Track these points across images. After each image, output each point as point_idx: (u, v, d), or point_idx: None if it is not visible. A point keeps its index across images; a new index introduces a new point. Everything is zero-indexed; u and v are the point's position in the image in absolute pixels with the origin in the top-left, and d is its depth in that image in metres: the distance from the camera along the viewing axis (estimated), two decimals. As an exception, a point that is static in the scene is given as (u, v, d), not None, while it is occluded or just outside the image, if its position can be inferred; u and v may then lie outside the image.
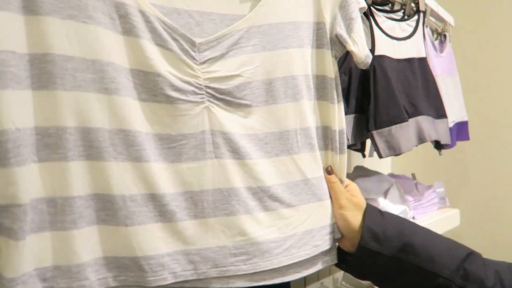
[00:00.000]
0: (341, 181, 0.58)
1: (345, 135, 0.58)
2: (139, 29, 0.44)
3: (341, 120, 0.58)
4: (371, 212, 0.55)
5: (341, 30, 0.56)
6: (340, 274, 1.17)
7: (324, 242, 0.56)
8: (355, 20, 0.57)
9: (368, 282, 1.00)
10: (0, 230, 0.40)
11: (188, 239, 0.48)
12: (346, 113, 0.76)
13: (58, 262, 0.43)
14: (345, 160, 0.58)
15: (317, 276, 1.14)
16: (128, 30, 0.44)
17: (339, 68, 0.72)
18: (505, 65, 1.46)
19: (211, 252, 0.49)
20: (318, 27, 0.56)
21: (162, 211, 0.47)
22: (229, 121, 0.50)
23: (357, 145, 0.90)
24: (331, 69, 0.57)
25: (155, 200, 0.46)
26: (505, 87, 1.46)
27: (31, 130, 0.41)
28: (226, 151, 0.50)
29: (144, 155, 0.46)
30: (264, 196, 0.52)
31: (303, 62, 0.55)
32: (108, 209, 0.44)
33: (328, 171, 0.57)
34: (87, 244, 0.44)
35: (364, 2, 0.59)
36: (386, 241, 0.52)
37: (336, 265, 0.58)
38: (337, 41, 0.56)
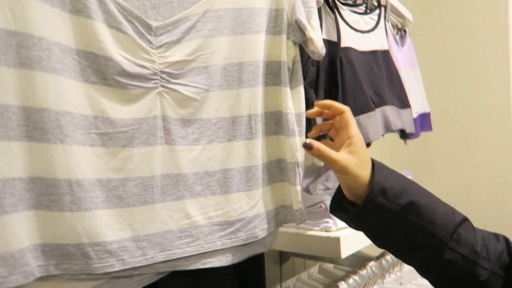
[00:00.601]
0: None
1: (304, 118, 0.59)
2: (92, 9, 0.43)
3: (298, 104, 0.58)
4: (380, 167, 0.54)
5: (301, 16, 0.56)
6: (315, 268, 1.18)
7: (270, 226, 0.58)
8: (314, 8, 0.57)
9: (343, 272, 1.01)
10: None
11: (136, 225, 0.47)
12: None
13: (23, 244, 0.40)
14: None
15: (292, 272, 1.15)
16: (79, 9, 0.42)
17: (307, 60, 0.74)
18: (462, 58, 1.53)
19: (158, 237, 0.49)
20: (277, 13, 0.56)
21: (109, 196, 0.45)
22: (181, 106, 0.50)
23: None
24: (287, 54, 0.57)
25: (102, 186, 0.45)
26: (463, 79, 1.54)
27: None
28: (177, 137, 0.50)
29: (91, 139, 0.44)
30: (211, 180, 0.52)
31: (259, 48, 0.55)
32: (51, 194, 0.42)
33: (307, 146, 0.53)
34: (28, 229, 0.41)
35: None
36: (392, 197, 0.51)
37: (332, 213, 0.58)
38: (297, 27, 0.57)
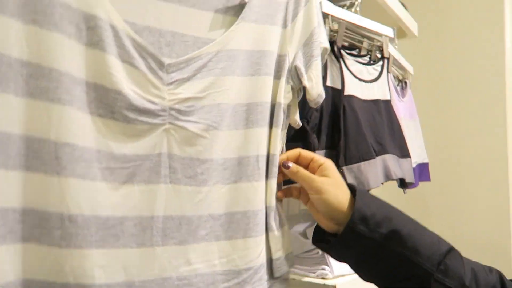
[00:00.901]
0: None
1: (277, 160, 0.57)
2: (107, 43, 0.43)
3: (276, 146, 0.57)
4: (362, 194, 0.53)
5: (300, 64, 0.58)
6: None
7: (282, 274, 0.55)
8: (315, 57, 0.58)
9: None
10: None
11: (131, 269, 0.44)
12: (318, 148, 0.78)
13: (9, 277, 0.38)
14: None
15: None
16: (94, 42, 0.42)
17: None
18: (459, 111, 1.57)
19: (156, 285, 0.46)
20: (280, 59, 0.57)
21: (105, 235, 0.43)
22: (190, 144, 0.48)
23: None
24: (284, 98, 0.57)
25: (98, 223, 0.42)
26: (461, 132, 1.56)
27: None
28: (183, 177, 0.48)
29: (90, 173, 0.42)
30: (215, 224, 0.50)
31: (268, 90, 0.55)
32: (43, 227, 0.40)
33: (285, 165, 0.54)
34: (15, 262, 0.39)
35: (328, 42, 0.62)
36: (374, 226, 0.49)
37: (315, 244, 0.56)
38: (296, 74, 0.58)
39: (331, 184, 0.53)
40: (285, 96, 0.57)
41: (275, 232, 0.55)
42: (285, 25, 0.58)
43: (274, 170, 0.55)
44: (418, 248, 0.49)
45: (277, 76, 0.57)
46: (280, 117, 0.56)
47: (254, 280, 0.51)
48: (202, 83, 0.50)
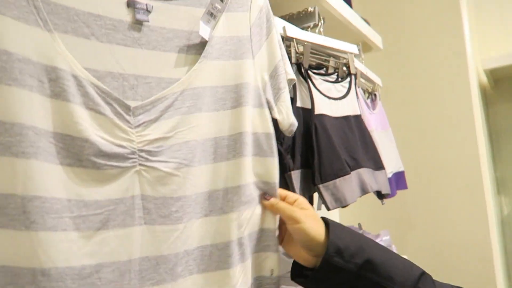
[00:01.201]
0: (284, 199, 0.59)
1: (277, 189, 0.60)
2: (70, 93, 0.43)
3: (276, 174, 0.60)
4: (335, 227, 0.55)
5: (270, 97, 0.60)
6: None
7: None
8: (282, 90, 0.61)
9: None
10: None
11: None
12: (293, 169, 0.79)
13: None
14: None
15: None
16: (57, 93, 0.43)
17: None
18: (430, 118, 1.62)
19: None
20: (255, 87, 0.58)
21: (81, 285, 0.42)
22: (162, 184, 0.49)
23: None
24: (270, 126, 0.59)
25: (75, 274, 0.42)
26: (433, 138, 1.61)
27: None
28: (158, 217, 0.48)
29: (62, 224, 0.42)
30: (189, 259, 0.50)
31: (238, 122, 0.56)
32: (15, 284, 0.39)
33: (265, 198, 0.57)
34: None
35: (293, 74, 0.65)
36: (349, 257, 0.52)
37: (293, 279, 0.57)
38: (267, 105, 0.60)
39: (309, 216, 0.56)
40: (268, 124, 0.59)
41: (276, 253, 0.57)
42: (253, 57, 0.59)
43: (243, 200, 0.56)
44: (392, 276, 0.51)
45: (256, 105, 0.58)
46: (274, 146, 0.58)
47: None
48: (170, 123, 0.51)
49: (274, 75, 0.60)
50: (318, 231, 0.54)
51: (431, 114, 1.62)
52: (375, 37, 1.38)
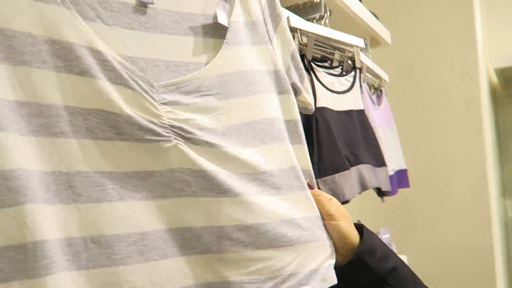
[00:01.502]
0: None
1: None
2: (97, 70, 0.44)
3: (309, 161, 0.59)
4: (368, 230, 0.57)
5: (295, 79, 0.60)
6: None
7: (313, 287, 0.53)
8: (302, 69, 0.61)
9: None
10: None
11: (157, 280, 0.45)
12: (291, 162, 0.78)
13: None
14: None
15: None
16: (85, 70, 0.43)
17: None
18: (437, 116, 1.59)
19: None
20: (277, 74, 0.58)
21: (128, 252, 0.44)
22: (199, 159, 0.49)
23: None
24: (297, 112, 0.59)
25: (120, 241, 0.44)
26: (439, 136, 1.58)
27: None
28: (198, 189, 0.48)
29: (106, 195, 0.44)
30: (242, 236, 0.49)
31: (268, 107, 0.55)
32: (68, 253, 0.42)
33: (310, 185, 0.57)
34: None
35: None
36: (379, 260, 0.53)
37: None
38: (293, 89, 0.59)
39: (344, 215, 0.57)
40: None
41: (313, 242, 0.54)
42: (270, 41, 0.59)
43: (297, 183, 0.55)
44: None
45: (282, 91, 0.58)
46: (302, 133, 0.58)
47: None
48: (196, 108, 0.50)
49: (294, 55, 0.60)
50: (352, 232, 0.55)
51: (438, 112, 1.59)
52: (383, 32, 1.36)
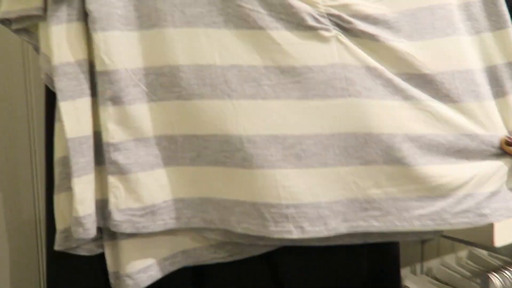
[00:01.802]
0: None
1: None
2: None
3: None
4: None
5: None
6: (464, 252, 1.07)
7: (494, 212, 0.46)
8: None
9: (499, 262, 0.89)
10: (118, 167, 0.42)
11: (316, 189, 0.43)
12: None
13: (183, 195, 0.43)
14: None
15: (437, 252, 1.07)
16: None
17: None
18: None
19: (341, 206, 0.44)
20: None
21: (286, 155, 0.42)
22: (362, 53, 0.43)
23: None
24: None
25: (278, 143, 0.42)
26: None
27: (141, 70, 0.41)
28: (363, 88, 0.42)
29: (261, 92, 0.42)
30: (412, 146, 0.43)
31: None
32: (225, 150, 0.42)
33: (508, 141, 0.46)
34: (208, 183, 0.43)
35: None
36: None
37: None
38: None
39: None
40: None
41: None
42: None
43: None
44: None
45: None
46: (504, 13, 0.46)
47: (456, 211, 0.45)
48: None
49: None
50: None
51: None
52: None
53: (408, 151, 0.43)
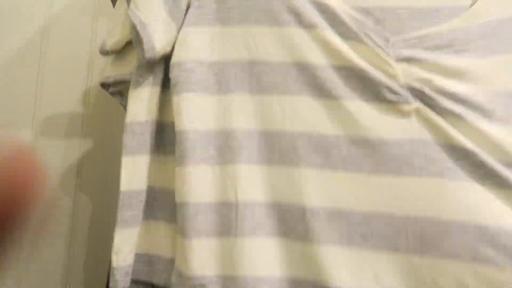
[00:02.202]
0: None
1: None
2: (324, 22, 0.41)
3: None
4: None
5: None
6: None
7: None
8: None
9: None
10: (178, 227, 0.41)
11: (384, 279, 0.37)
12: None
13: (233, 272, 0.39)
14: None
15: None
16: (313, 25, 0.41)
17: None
18: None
19: None
20: None
21: (350, 233, 0.38)
22: (450, 131, 0.37)
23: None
24: None
25: (342, 218, 0.38)
26: None
27: (211, 132, 0.41)
28: (445, 169, 0.37)
29: (330, 162, 0.39)
30: (507, 244, 0.35)
31: None
32: (286, 220, 0.39)
33: None
34: (266, 256, 0.39)
35: None
36: None
37: None
38: None
39: None
40: None
41: None
42: None
43: None
44: None
45: None
46: None
47: None
48: (448, 64, 0.39)
49: None
50: None
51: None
52: None
53: (499, 251, 0.35)
